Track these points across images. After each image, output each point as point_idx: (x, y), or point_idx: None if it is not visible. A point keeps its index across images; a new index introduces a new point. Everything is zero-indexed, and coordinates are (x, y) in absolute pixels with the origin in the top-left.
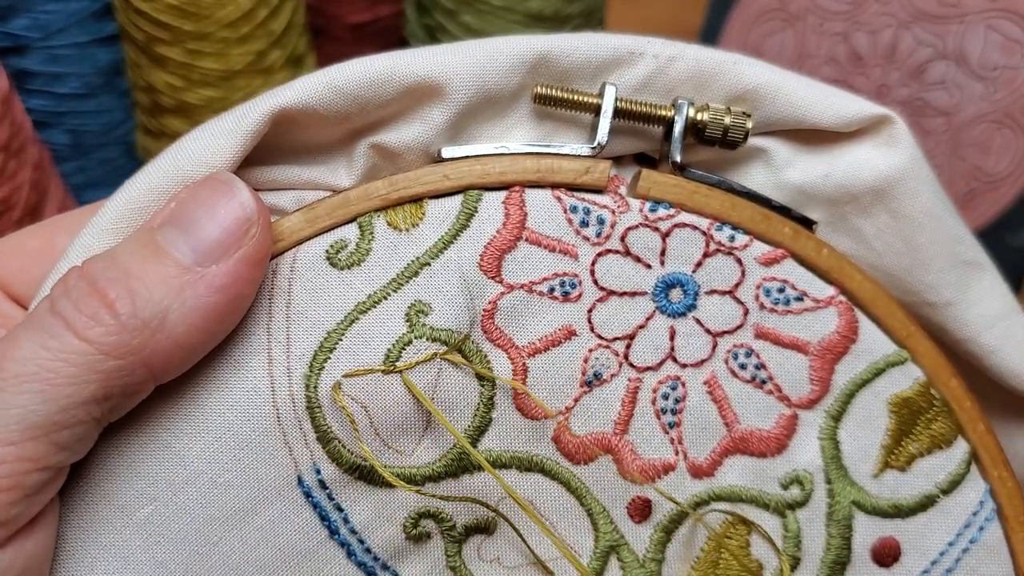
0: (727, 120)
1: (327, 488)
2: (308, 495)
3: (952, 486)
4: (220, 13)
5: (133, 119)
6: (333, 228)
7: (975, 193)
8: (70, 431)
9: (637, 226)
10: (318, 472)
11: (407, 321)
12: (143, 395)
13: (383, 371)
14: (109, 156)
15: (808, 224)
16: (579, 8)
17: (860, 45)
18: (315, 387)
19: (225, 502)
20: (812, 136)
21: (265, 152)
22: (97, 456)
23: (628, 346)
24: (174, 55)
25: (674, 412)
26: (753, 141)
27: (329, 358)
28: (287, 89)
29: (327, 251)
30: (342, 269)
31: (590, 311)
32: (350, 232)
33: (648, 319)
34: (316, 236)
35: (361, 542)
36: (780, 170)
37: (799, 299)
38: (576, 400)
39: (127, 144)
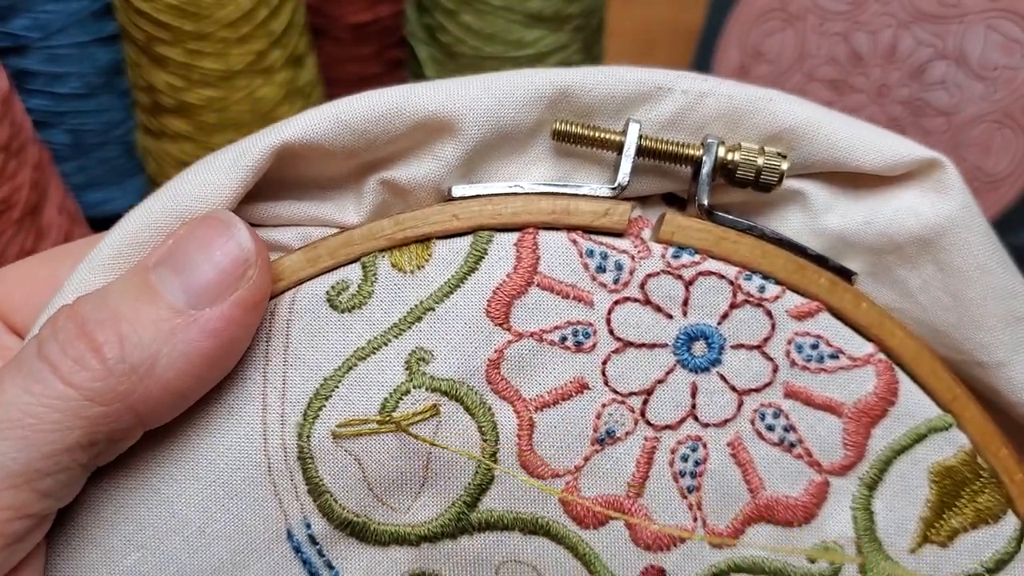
0: (760, 161)
1: (317, 544)
2: (298, 550)
3: (999, 565)
4: (220, 13)
5: (133, 119)
6: (335, 268)
7: (975, 193)
8: (53, 478)
9: (658, 273)
10: (308, 526)
11: (407, 369)
12: (131, 441)
13: (378, 422)
14: (109, 156)
15: (847, 275)
16: (579, 8)
17: (860, 45)
18: (308, 436)
19: (212, 553)
20: (853, 179)
21: (270, 186)
22: (84, 499)
23: (645, 402)
24: (174, 55)
25: (694, 475)
26: (789, 184)
27: (324, 406)
28: (290, 124)
29: (328, 292)
30: (343, 312)
31: (604, 363)
32: (353, 273)
33: (668, 373)
34: (317, 276)
35: None
36: (818, 215)
37: (834, 356)
38: (586, 459)
39: (127, 144)
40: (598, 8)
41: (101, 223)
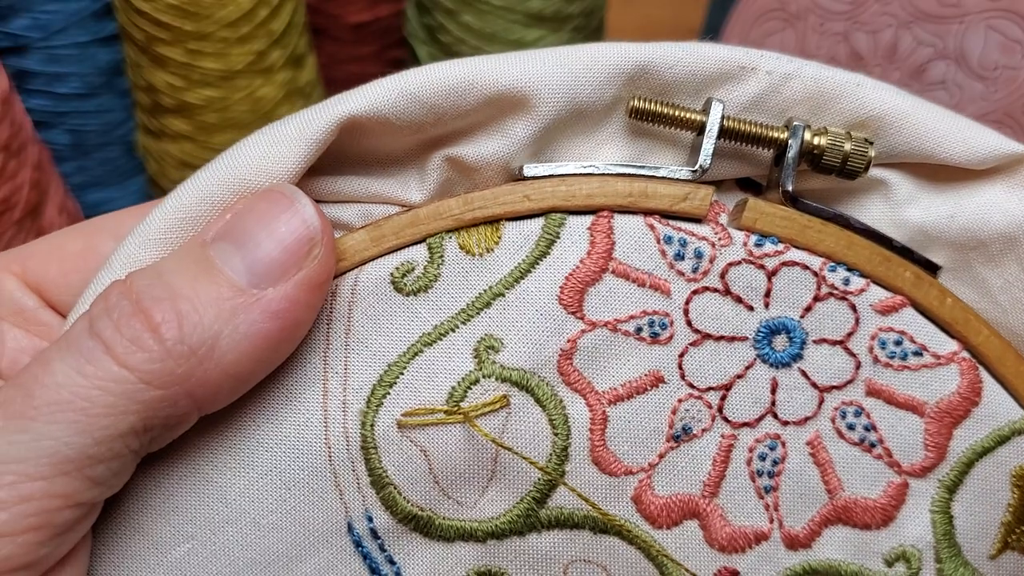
0: (847, 147)
1: (379, 538)
2: (358, 544)
3: None
4: (220, 13)
5: (133, 119)
6: (400, 248)
7: None
8: (106, 465)
9: (740, 262)
10: (370, 520)
11: (475, 357)
12: (185, 427)
13: (446, 412)
14: (109, 156)
15: (931, 269)
16: (579, 8)
17: (860, 45)
18: (371, 425)
19: (268, 546)
20: (938, 172)
21: (330, 160)
22: (132, 486)
23: (723, 398)
24: (174, 55)
25: (771, 475)
26: (871, 172)
27: (388, 394)
28: (357, 95)
29: (392, 274)
30: (408, 295)
31: (681, 356)
32: (418, 254)
33: (747, 368)
34: (381, 256)
35: None
36: (900, 206)
37: (918, 354)
38: (661, 456)
39: (127, 144)
40: (598, 8)
41: None
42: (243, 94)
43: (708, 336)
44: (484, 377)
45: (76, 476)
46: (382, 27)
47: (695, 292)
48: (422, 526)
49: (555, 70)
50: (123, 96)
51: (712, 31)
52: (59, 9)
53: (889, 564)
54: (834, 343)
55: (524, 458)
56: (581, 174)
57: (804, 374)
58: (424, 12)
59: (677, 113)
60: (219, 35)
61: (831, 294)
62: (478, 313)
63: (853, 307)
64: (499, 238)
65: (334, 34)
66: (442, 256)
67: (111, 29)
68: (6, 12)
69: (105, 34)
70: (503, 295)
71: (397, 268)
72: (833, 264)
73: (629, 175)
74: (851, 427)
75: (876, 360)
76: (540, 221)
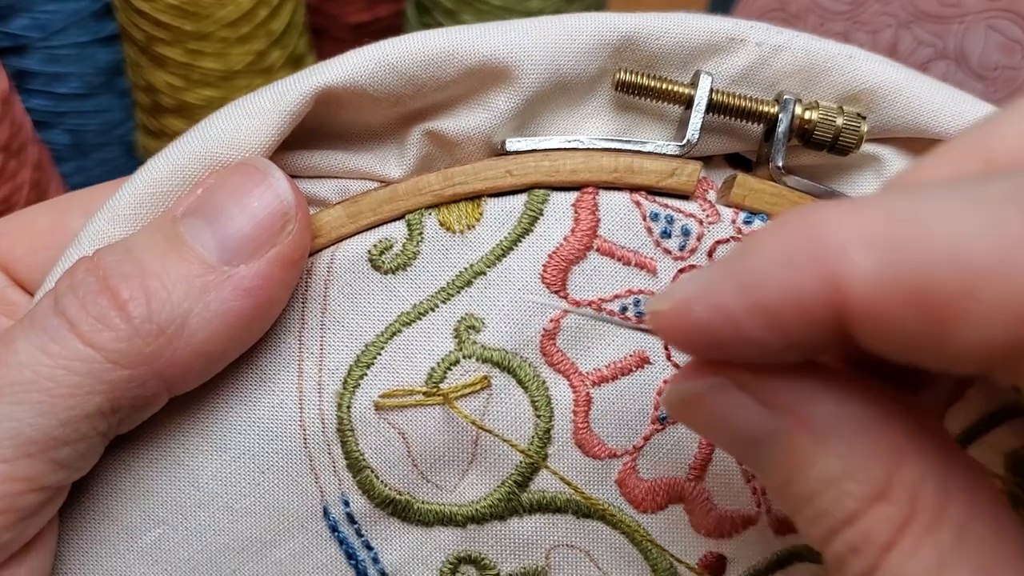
0: (839, 121)
1: (356, 523)
2: (334, 529)
3: None
4: (220, 13)
5: (133, 119)
6: (378, 225)
7: None
8: (71, 447)
9: (728, 240)
10: (346, 504)
11: (455, 337)
12: (155, 408)
13: (425, 393)
14: (109, 156)
15: None
16: (579, 8)
17: (860, 45)
18: (348, 407)
19: (241, 531)
20: (932, 147)
21: (306, 134)
22: (102, 469)
23: None
24: (174, 55)
25: None
26: (865, 148)
27: (365, 375)
28: (333, 65)
29: (370, 251)
30: (386, 273)
31: None
32: (397, 231)
33: None
34: (359, 233)
35: None
36: None
37: None
38: (646, 439)
39: (127, 144)
40: (598, 8)
41: None
42: (243, 94)
43: None
44: (464, 358)
45: (40, 458)
46: (382, 27)
47: (682, 271)
48: (400, 510)
49: (538, 40)
50: (122, 96)
51: None
52: (59, 9)
53: None
54: None
55: (505, 441)
56: (565, 149)
57: None
58: (424, 12)
59: (664, 86)
60: (219, 35)
61: None
62: (459, 292)
63: None
64: (480, 214)
65: (334, 34)
66: (421, 233)
67: (111, 29)
68: (6, 12)
69: (105, 34)
70: (484, 273)
71: (375, 245)
72: None
73: (615, 150)
74: None
75: None
76: (523, 197)
